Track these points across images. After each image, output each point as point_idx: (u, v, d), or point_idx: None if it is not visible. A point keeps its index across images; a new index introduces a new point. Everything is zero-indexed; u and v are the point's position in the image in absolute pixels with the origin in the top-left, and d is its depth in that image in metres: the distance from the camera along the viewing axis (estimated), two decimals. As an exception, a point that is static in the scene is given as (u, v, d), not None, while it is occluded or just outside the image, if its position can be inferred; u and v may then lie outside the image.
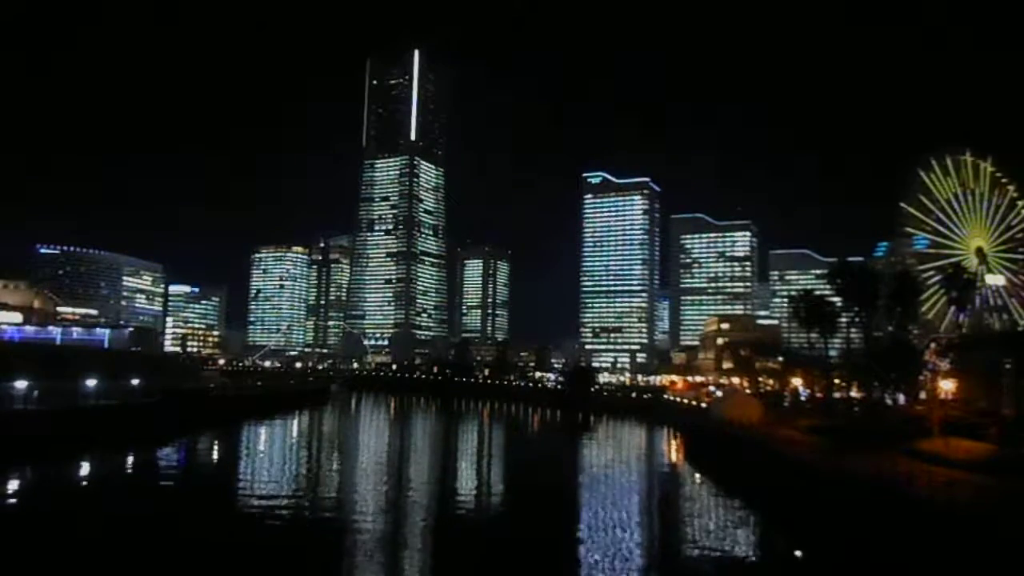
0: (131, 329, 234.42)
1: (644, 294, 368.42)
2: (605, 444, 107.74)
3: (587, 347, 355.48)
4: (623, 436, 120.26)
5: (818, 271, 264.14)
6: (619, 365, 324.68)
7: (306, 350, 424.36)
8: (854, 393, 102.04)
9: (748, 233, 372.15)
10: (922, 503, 38.44)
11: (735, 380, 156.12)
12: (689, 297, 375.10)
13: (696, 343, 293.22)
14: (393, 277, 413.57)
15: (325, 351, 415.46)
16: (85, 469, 61.50)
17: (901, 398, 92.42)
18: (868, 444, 55.36)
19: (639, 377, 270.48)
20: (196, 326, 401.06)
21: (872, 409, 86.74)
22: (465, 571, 35.95)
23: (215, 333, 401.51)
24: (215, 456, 77.34)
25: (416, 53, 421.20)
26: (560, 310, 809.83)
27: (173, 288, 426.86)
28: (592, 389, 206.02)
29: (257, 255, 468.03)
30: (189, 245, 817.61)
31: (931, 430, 57.08)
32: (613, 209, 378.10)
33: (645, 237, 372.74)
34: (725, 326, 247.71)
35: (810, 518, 47.45)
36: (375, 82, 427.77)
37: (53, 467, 59.03)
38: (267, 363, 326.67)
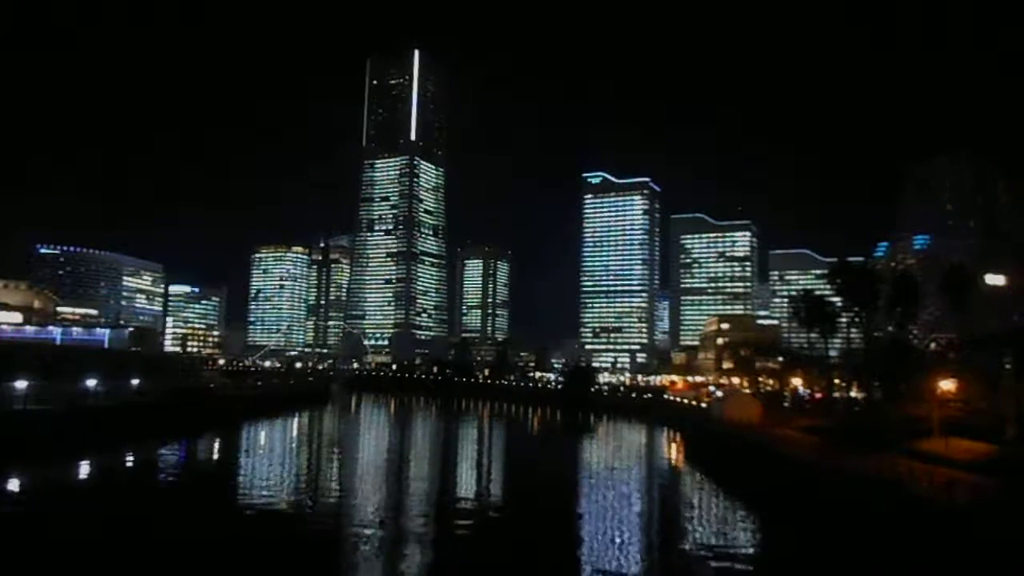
0: (131, 329, 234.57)
1: (644, 294, 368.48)
2: (605, 444, 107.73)
3: (587, 347, 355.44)
4: (623, 436, 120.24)
5: (818, 271, 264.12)
6: (619, 365, 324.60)
7: (306, 350, 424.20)
8: (854, 393, 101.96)
9: (748, 233, 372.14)
10: (922, 502, 38.44)
11: (735, 380, 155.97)
12: (689, 297, 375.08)
13: (696, 343, 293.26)
14: (393, 277, 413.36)
15: (325, 351, 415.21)
16: (85, 469, 61.54)
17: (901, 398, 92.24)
18: (868, 444, 55.30)
19: (639, 377, 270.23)
20: (196, 326, 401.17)
21: (872, 409, 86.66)
22: (465, 570, 35.93)
23: (215, 333, 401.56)
24: (215, 456, 77.38)
25: (416, 53, 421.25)
26: (560, 310, 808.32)
27: (173, 288, 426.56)
28: (592, 389, 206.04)
29: (257, 255, 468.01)
30: (189, 245, 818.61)
31: (931, 430, 57.04)
32: (613, 209, 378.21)
33: (645, 237, 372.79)
34: (725, 326, 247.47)
35: (810, 518, 47.41)
36: (375, 82, 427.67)
37: (53, 467, 59.01)
38: (267, 363, 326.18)
